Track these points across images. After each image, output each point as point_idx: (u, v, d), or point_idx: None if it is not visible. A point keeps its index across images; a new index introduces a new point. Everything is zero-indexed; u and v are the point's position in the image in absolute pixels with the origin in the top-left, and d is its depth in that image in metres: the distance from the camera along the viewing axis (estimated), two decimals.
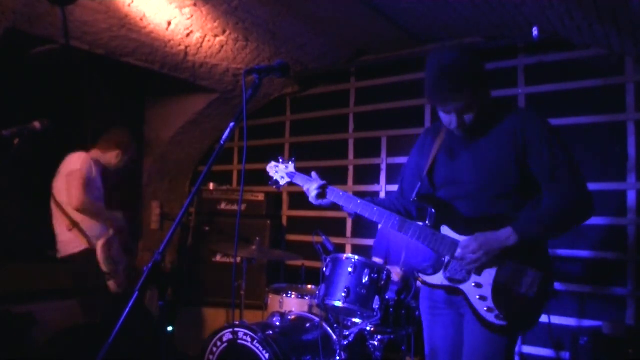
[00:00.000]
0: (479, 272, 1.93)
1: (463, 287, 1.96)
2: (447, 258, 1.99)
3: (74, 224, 3.30)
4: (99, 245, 3.27)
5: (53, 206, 3.39)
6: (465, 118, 1.94)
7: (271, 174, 2.37)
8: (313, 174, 2.23)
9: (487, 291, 1.92)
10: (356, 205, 2.12)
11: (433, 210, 2.04)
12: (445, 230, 2.01)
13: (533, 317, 1.92)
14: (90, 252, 3.28)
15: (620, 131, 3.49)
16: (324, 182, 2.19)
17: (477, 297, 1.93)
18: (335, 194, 2.16)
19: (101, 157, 3.53)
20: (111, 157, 3.56)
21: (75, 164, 3.32)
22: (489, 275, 1.92)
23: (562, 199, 1.91)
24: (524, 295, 1.87)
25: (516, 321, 1.90)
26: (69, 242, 3.33)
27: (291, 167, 2.32)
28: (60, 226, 3.35)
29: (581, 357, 3.08)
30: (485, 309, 1.91)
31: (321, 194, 2.17)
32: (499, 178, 1.95)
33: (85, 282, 3.30)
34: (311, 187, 2.17)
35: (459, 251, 1.94)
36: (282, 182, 2.33)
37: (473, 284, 1.94)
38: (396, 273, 3.41)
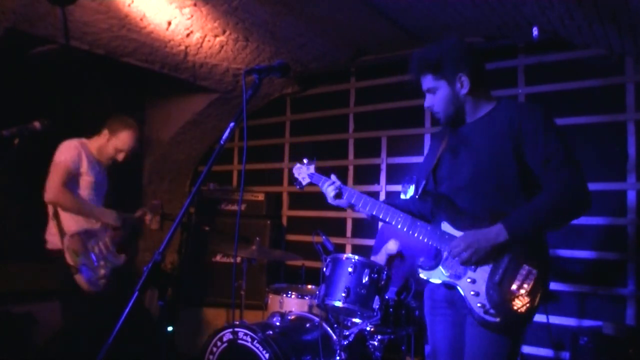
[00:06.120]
0: (474, 268, 1.94)
1: (459, 282, 1.97)
2: (445, 254, 2.01)
3: (54, 214, 3.10)
4: (69, 233, 3.04)
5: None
6: (434, 102, 2.06)
7: (295, 175, 2.50)
8: (332, 176, 2.33)
9: (480, 287, 1.91)
10: (371, 206, 2.17)
11: (434, 206, 2.07)
12: (445, 226, 2.03)
13: (526, 314, 1.87)
14: (62, 252, 3.05)
15: (620, 131, 3.49)
16: (339, 182, 2.29)
17: (472, 293, 1.92)
18: (349, 194, 2.25)
19: (96, 146, 3.28)
20: (103, 145, 3.27)
21: (62, 153, 3.11)
22: (483, 272, 1.92)
23: (555, 193, 1.88)
24: (517, 291, 1.86)
25: (508, 317, 1.87)
26: (50, 234, 3.14)
27: (311, 168, 2.45)
28: (49, 215, 3.17)
29: (581, 357, 3.08)
30: (478, 304, 1.90)
31: (338, 194, 2.27)
32: (496, 170, 1.95)
33: (58, 280, 3.11)
34: (328, 187, 2.28)
35: (451, 249, 1.96)
36: (304, 183, 2.47)
37: (468, 280, 1.94)
38: (393, 242, 3.43)
